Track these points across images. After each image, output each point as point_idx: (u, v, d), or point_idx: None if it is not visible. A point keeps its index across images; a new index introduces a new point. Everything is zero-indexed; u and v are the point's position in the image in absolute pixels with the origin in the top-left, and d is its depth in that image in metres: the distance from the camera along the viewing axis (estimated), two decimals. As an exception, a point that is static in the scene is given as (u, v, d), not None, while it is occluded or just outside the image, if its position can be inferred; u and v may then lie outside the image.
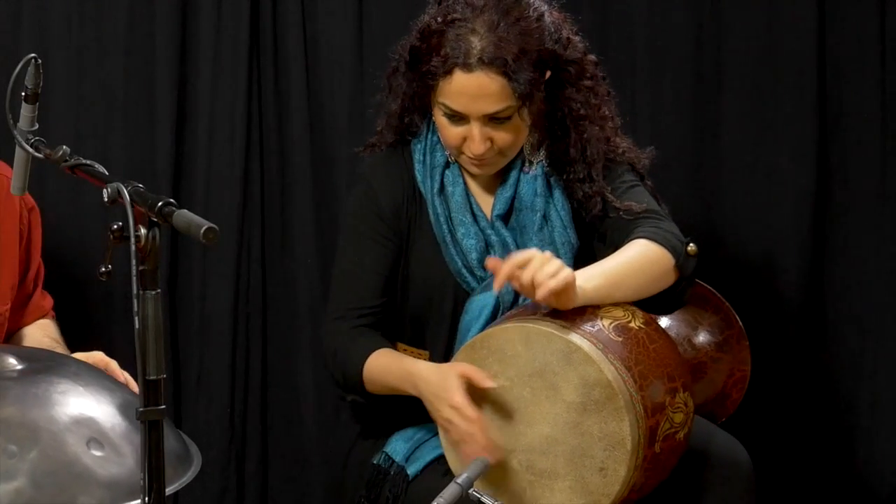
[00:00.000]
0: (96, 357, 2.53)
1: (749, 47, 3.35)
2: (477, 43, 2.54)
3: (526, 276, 2.41)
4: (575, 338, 2.41)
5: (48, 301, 2.90)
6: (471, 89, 2.56)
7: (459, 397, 2.44)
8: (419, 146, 2.73)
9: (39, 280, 2.89)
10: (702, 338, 2.89)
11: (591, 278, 2.50)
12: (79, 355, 2.57)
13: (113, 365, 2.53)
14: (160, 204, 1.94)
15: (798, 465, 3.38)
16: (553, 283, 2.39)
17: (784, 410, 3.37)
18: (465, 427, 2.44)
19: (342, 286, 2.73)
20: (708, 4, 3.36)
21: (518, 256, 2.46)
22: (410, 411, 2.67)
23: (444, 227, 2.69)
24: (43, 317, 2.88)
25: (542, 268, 2.41)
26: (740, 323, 2.90)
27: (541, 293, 2.39)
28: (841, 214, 3.37)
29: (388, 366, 2.62)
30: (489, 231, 2.69)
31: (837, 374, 3.39)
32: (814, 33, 3.32)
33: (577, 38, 2.68)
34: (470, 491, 2.34)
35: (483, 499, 2.36)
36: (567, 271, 2.41)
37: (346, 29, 3.37)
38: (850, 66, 3.34)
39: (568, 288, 2.42)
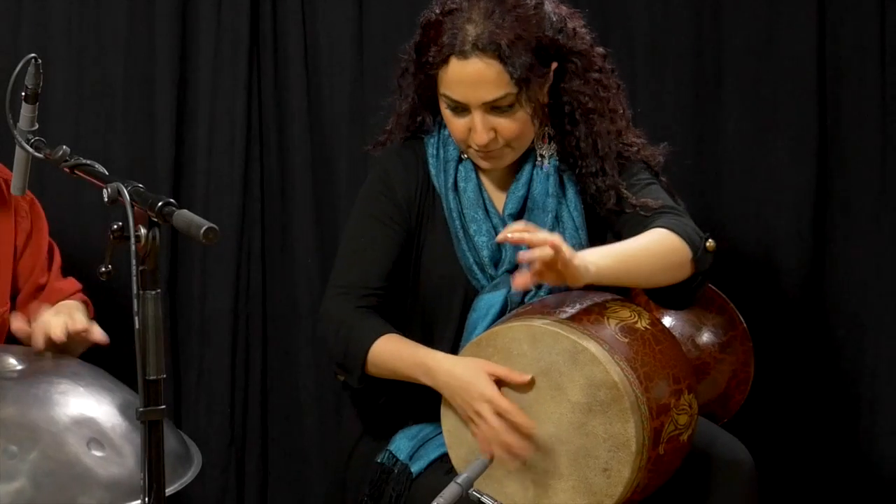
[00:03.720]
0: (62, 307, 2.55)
1: (749, 47, 3.35)
2: (472, 30, 2.56)
3: (527, 255, 2.35)
4: (581, 338, 2.41)
5: (70, 285, 2.89)
6: (467, 76, 2.57)
7: (491, 390, 2.44)
8: (432, 140, 2.74)
9: (55, 265, 2.88)
10: (705, 338, 2.89)
11: (606, 256, 2.48)
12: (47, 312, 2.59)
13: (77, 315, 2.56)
14: (160, 204, 1.95)
15: (800, 466, 3.38)
16: (543, 254, 2.32)
17: (785, 411, 3.37)
18: (494, 420, 2.43)
19: (348, 263, 2.71)
20: (708, 4, 3.36)
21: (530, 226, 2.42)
22: (414, 409, 2.68)
23: (457, 222, 2.69)
24: (64, 299, 2.86)
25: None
26: (744, 324, 2.90)
27: (534, 264, 2.34)
28: (841, 214, 3.37)
29: (398, 351, 2.61)
30: (501, 228, 2.67)
31: (838, 374, 3.39)
32: (814, 33, 3.32)
33: (584, 31, 2.68)
34: (470, 491, 2.34)
35: (483, 499, 2.36)
36: (567, 253, 2.35)
37: (346, 29, 3.37)
38: (850, 66, 3.34)
39: (567, 266, 2.36)
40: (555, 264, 2.35)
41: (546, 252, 2.32)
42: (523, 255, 2.35)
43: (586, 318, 2.46)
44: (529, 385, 2.44)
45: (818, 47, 3.32)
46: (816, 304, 3.38)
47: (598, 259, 2.45)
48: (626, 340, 2.44)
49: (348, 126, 3.37)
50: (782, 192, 3.36)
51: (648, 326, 2.50)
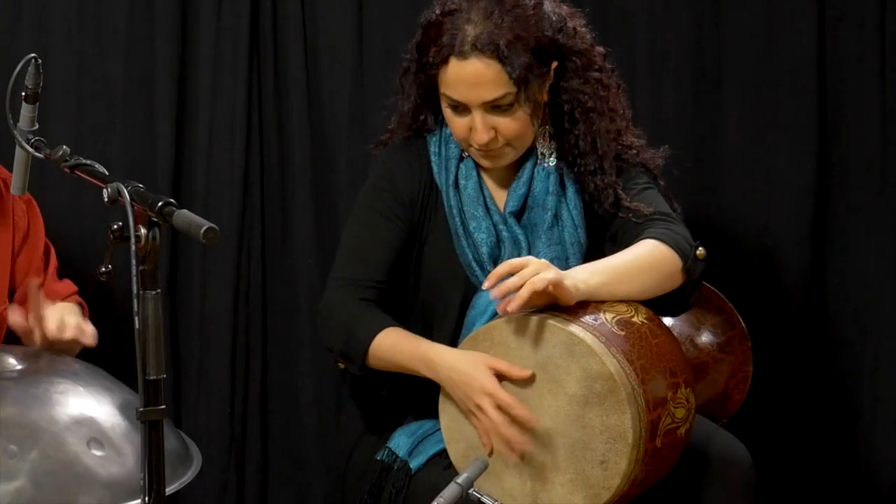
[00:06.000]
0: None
1: (749, 47, 3.35)
2: (471, 30, 2.59)
3: (513, 281, 2.43)
4: (577, 330, 2.42)
5: (66, 286, 2.89)
6: (467, 76, 2.59)
7: (492, 384, 2.46)
8: (434, 138, 2.77)
9: (51, 266, 2.88)
10: (704, 338, 2.89)
11: (595, 273, 2.52)
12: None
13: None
14: (160, 204, 1.95)
15: (799, 465, 3.38)
16: (535, 284, 2.40)
17: (784, 410, 3.37)
18: (494, 414, 2.45)
19: (350, 256, 2.73)
20: (708, 4, 3.36)
21: (514, 261, 2.48)
22: (414, 403, 2.69)
23: (458, 219, 2.71)
24: (60, 301, 2.85)
25: (535, 274, 2.42)
26: (743, 324, 2.90)
27: (523, 291, 2.41)
28: (841, 214, 3.37)
29: (400, 344, 2.62)
30: (501, 226, 2.71)
31: (838, 374, 3.39)
32: (814, 33, 3.32)
33: (584, 30, 2.71)
34: (470, 491, 2.34)
35: (483, 499, 2.36)
36: (551, 274, 2.42)
37: (346, 28, 3.37)
38: (850, 66, 3.34)
39: (558, 288, 2.43)
40: (544, 288, 2.41)
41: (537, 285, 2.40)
42: (497, 292, 2.45)
43: (582, 312, 2.48)
44: (528, 378, 2.45)
45: (818, 47, 3.32)
46: (816, 304, 3.38)
47: (588, 277, 2.50)
48: (623, 334, 2.46)
49: (348, 125, 3.37)
50: (782, 192, 3.37)
51: (645, 321, 2.51)
